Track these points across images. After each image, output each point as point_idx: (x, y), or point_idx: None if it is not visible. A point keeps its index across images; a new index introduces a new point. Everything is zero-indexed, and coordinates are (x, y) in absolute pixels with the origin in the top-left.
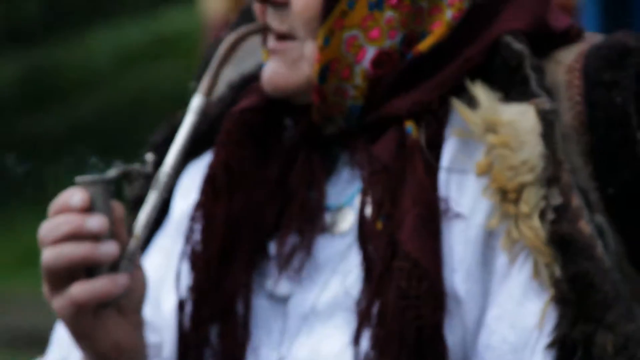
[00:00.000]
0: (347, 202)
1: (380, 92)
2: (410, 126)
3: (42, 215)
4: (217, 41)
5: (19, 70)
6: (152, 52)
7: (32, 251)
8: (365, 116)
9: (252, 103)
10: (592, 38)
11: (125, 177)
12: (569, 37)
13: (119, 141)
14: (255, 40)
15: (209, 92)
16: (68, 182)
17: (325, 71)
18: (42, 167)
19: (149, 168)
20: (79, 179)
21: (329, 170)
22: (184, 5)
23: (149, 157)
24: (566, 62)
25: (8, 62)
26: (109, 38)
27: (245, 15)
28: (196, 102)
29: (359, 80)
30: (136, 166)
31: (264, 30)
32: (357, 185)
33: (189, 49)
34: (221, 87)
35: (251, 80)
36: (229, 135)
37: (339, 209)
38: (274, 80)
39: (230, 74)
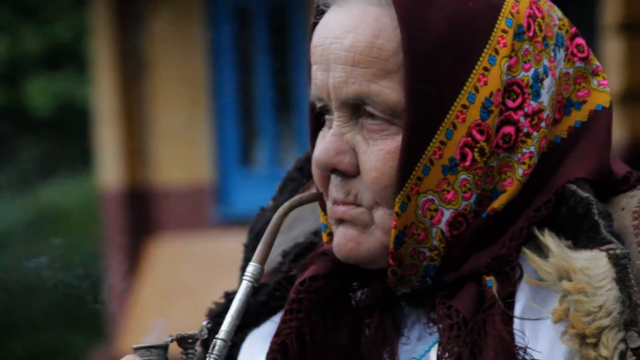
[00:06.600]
0: (419, 358)
1: (457, 252)
2: (490, 280)
3: None
4: (262, 211)
5: None
6: (33, 231)
7: None
8: (442, 275)
9: (321, 270)
10: None
11: (180, 343)
12: (629, 182)
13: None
14: (303, 207)
15: (263, 260)
16: None
17: (402, 236)
18: None
19: (204, 334)
20: (134, 345)
21: (399, 329)
22: (72, 181)
23: (205, 323)
24: (630, 207)
25: None
26: None
27: (288, 182)
28: (250, 269)
29: (435, 242)
30: (192, 333)
31: (318, 200)
32: (429, 341)
33: (80, 223)
34: (273, 255)
35: (308, 248)
36: (300, 304)
37: None
38: (349, 247)
39: (280, 241)
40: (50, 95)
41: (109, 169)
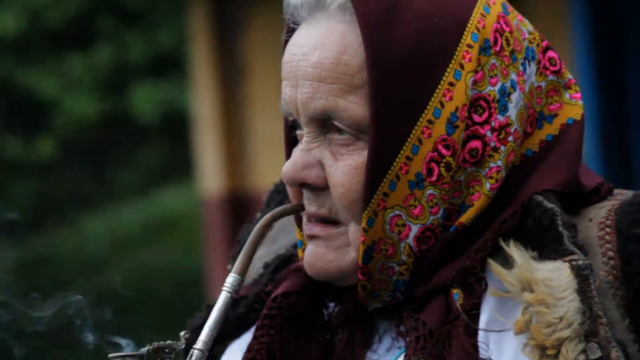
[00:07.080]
0: None
1: (426, 266)
2: (456, 292)
3: None
4: (249, 223)
5: (11, 261)
6: (148, 236)
7: None
8: (411, 289)
9: (293, 286)
10: (622, 194)
11: (157, 352)
12: (599, 194)
13: (119, 328)
14: (287, 218)
15: (243, 272)
16: None
17: (370, 252)
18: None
19: (182, 344)
20: (111, 355)
21: (369, 341)
22: (175, 187)
23: (183, 333)
24: (597, 218)
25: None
26: (103, 224)
27: (275, 194)
28: (230, 280)
29: (404, 257)
30: (169, 342)
31: (300, 211)
32: (397, 353)
33: (184, 230)
34: (256, 267)
35: (287, 260)
36: (272, 320)
37: None
38: (318, 266)
39: (264, 252)
40: (155, 103)
41: (211, 175)
